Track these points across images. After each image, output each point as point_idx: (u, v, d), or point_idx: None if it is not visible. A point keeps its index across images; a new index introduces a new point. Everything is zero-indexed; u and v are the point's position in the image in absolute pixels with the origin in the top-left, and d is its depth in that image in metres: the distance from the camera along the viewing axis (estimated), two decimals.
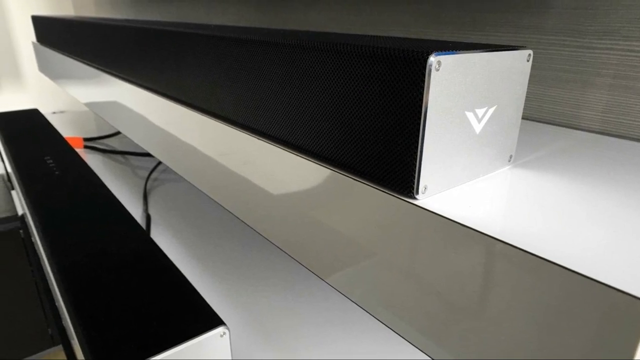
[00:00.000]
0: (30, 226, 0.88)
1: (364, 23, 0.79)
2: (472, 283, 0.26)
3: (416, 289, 0.30)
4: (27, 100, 2.34)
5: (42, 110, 1.64)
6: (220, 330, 0.49)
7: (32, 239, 0.96)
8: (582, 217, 0.27)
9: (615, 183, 0.33)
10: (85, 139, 1.53)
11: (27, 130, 1.30)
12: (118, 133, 1.63)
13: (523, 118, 0.57)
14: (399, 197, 0.30)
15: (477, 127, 0.32)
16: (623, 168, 0.36)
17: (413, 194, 0.29)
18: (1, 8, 2.18)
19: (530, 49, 0.34)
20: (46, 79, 2.34)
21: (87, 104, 1.05)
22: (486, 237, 0.25)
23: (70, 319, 0.53)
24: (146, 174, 1.28)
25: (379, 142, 0.31)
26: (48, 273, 0.71)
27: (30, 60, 2.31)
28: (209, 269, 0.83)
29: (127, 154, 1.45)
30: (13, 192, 1.41)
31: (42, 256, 0.76)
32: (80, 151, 1.46)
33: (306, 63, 0.35)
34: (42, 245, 0.69)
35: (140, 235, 0.69)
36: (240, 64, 0.44)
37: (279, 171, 0.41)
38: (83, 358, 0.48)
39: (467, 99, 0.30)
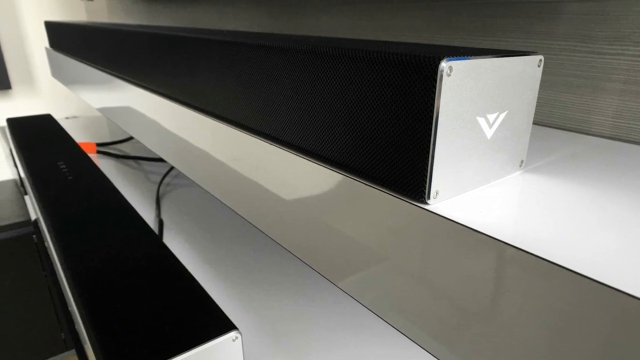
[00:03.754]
0: (44, 231, 0.89)
1: (375, 28, 0.80)
2: (483, 288, 0.26)
3: (428, 293, 0.30)
4: (40, 105, 2.36)
5: (55, 116, 1.65)
6: (232, 334, 0.49)
7: (45, 243, 0.97)
8: (593, 222, 0.27)
9: (626, 188, 0.33)
10: (98, 144, 1.55)
11: (41, 136, 1.32)
12: (131, 138, 1.64)
13: (534, 123, 0.57)
14: (411, 202, 0.30)
15: (489, 132, 0.32)
16: (634, 173, 0.36)
17: (424, 199, 0.29)
18: (15, 14, 2.21)
19: (541, 54, 0.34)
20: (59, 84, 2.36)
21: (100, 110, 1.05)
22: (497, 242, 0.25)
23: (83, 324, 0.54)
24: (159, 179, 1.29)
25: (391, 147, 0.31)
26: (61, 278, 0.72)
27: (43, 65, 2.33)
28: (221, 273, 0.84)
29: (139, 159, 1.46)
30: (26, 197, 1.42)
31: (55, 261, 0.76)
32: (93, 156, 1.47)
33: (318, 69, 0.36)
34: (55, 250, 0.70)
35: (152, 240, 0.69)
36: (253, 69, 0.44)
37: (290, 176, 0.41)
38: None
39: (479, 104, 0.30)
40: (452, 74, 0.27)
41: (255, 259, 0.89)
